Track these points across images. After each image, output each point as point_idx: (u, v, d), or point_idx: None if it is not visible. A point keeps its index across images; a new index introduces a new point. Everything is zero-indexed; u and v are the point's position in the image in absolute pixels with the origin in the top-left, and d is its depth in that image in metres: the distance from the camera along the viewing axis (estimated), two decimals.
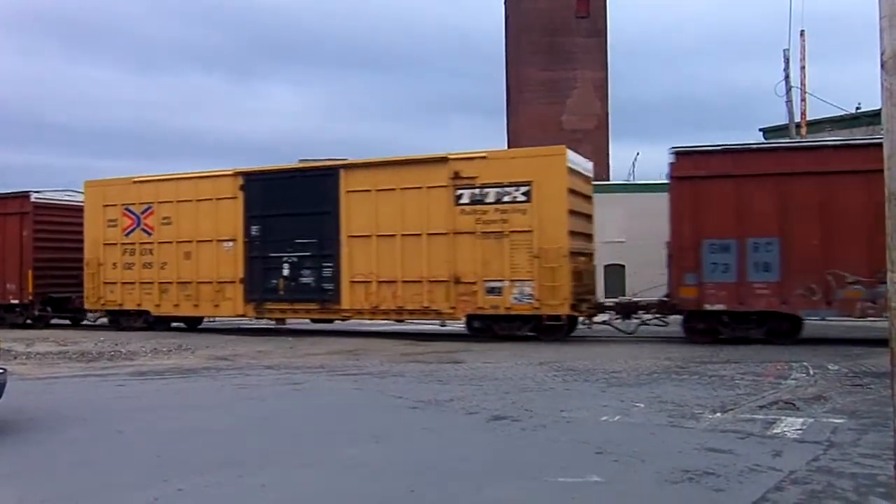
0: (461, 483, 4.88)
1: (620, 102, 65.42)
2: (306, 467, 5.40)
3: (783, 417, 6.83)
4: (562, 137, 41.02)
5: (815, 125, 24.56)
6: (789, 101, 22.35)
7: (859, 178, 12.51)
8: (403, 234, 15.30)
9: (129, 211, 18.24)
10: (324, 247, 16.03)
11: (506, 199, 14.58)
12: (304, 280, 16.23)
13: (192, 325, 18.83)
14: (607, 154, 41.24)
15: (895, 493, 3.27)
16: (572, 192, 14.66)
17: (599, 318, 15.56)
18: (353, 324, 17.45)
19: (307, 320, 17.60)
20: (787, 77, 22.08)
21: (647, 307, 15.03)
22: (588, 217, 15.80)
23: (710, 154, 13.94)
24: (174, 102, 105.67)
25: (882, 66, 2.92)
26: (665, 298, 14.40)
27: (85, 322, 20.33)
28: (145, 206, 18.03)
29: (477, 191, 14.79)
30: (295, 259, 16.31)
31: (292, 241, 16.30)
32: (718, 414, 7.06)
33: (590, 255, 15.94)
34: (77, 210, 19.29)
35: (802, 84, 21.79)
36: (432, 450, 6.01)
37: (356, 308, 15.83)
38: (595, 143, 41.30)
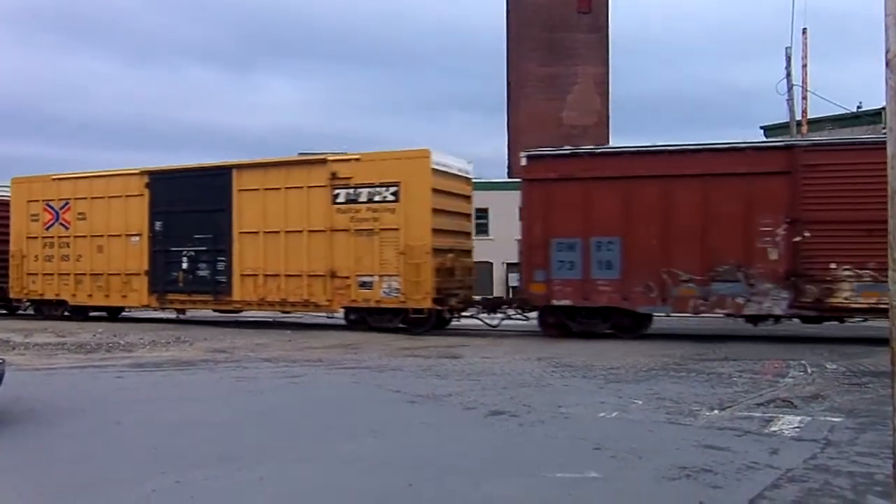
0: (459, 478, 4.88)
1: (621, 99, 65.48)
2: (304, 461, 5.40)
3: (781, 415, 6.83)
4: (562, 133, 41.03)
5: (816, 123, 24.55)
6: (790, 100, 22.33)
7: (695, 181, 13.53)
8: (287, 231, 16.35)
9: (50, 206, 19.44)
10: (218, 242, 17.21)
11: (377, 198, 15.59)
12: (201, 273, 17.46)
13: (113, 314, 19.84)
14: None
15: (893, 491, 3.26)
16: (439, 191, 15.53)
17: (480, 312, 16.41)
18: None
19: (206, 311, 18.65)
20: (788, 75, 22.06)
21: (509, 303, 16.06)
22: (465, 216, 16.71)
23: (559, 158, 14.80)
24: (171, 96, 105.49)
25: (887, 64, 2.90)
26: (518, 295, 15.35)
27: (19, 311, 21.14)
28: (63, 202, 19.25)
29: (352, 190, 15.81)
30: (193, 253, 17.56)
31: (191, 237, 17.53)
32: (716, 411, 7.07)
33: (464, 252, 16.66)
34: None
35: (804, 82, 21.77)
36: (430, 444, 6.01)
37: (245, 300, 17.05)
38: (595, 140, 41.27)
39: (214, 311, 18.35)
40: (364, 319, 15.92)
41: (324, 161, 16.27)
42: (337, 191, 15.89)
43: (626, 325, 14.23)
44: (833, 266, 13.08)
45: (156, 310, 18.84)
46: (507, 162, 42.49)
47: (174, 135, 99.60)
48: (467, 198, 16.89)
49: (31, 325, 17.58)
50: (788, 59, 22.01)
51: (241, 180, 16.93)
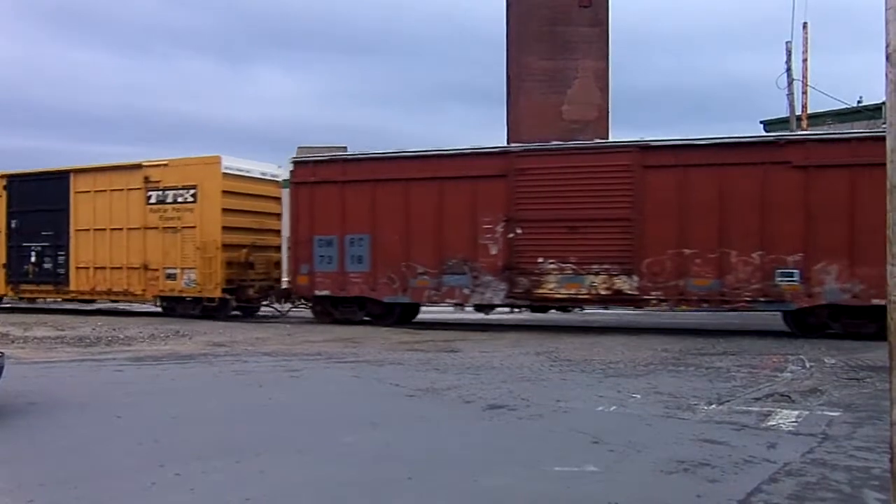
0: (458, 471, 4.90)
1: (621, 92, 65.22)
2: (304, 454, 5.41)
3: (779, 410, 6.85)
4: (562, 128, 40.94)
5: (817, 118, 24.51)
6: (790, 94, 22.30)
7: (430, 184, 15.12)
8: (112, 229, 18.58)
9: None
10: (59, 238, 19.33)
11: (179, 199, 17.75)
12: (46, 266, 19.63)
13: None
14: None
15: (891, 486, 3.28)
16: (234, 193, 17.50)
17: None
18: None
19: (48, 301, 20.95)
20: (788, 70, 22.02)
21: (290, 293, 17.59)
22: (271, 215, 18.56)
23: (320, 163, 16.42)
24: (165, 87, 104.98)
25: (887, 58, 2.90)
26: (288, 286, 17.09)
27: None
28: None
29: (161, 192, 17.95)
30: (40, 248, 19.71)
31: (39, 234, 19.66)
32: (714, 405, 7.09)
33: (270, 248, 18.61)
34: None
35: (804, 77, 21.74)
36: (429, 438, 6.03)
37: (80, 290, 19.17)
38: (595, 134, 41.19)
39: (57, 300, 20.56)
40: (173, 308, 18.01)
41: (139, 166, 18.33)
42: (150, 193, 18.07)
43: (378, 312, 15.85)
44: (541, 260, 14.46)
45: (13, 299, 21.03)
46: None
47: (168, 127, 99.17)
48: (275, 199, 18.85)
49: (31, 318, 17.60)
50: (789, 53, 21.99)
51: (77, 183, 19.07)
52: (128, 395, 7.83)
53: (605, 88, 43.01)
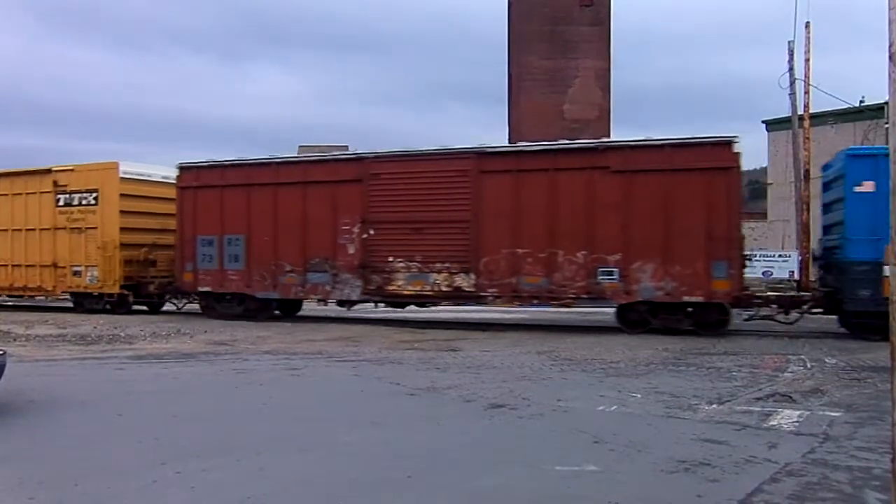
0: (458, 470, 4.90)
1: (622, 92, 65.17)
2: (304, 452, 5.42)
3: (780, 410, 6.85)
4: (563, 127, 40.92)
5: (818, 118, 24.47)
6: (793, 94, 22.25)
7: (296, 188, 16.23)
8: (26, 229, 19.71)
9: None
10: None
11: (84, 202, 18.88)
12: None
13: None
14: None
15: (891, 486, 3.27)
16: (133, 196, 18.54)
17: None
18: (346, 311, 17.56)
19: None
20: (791, 69, 21.96)
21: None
22: (172, 216, 18.50)
23: (203, 168, 17.51)
24: (163, 84, 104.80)
25: (890, 57, 2.89)
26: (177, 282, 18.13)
27: None
28: None
29: (68, 196, 19.05)
30: None
31: None
32: (715, 405, 7.08)
33: (169, 247, 18.95)
34: None
35: (806, 76, 21.67)
36: (430, 436, 6.03)
37: (1, 286, 20.41)
38: (596, 133, 41.12)
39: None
40: (81, 302, 19.20)
41: (49, 171, 19.43)
42: (59, 196, 19.16)
43: (255, 307, 16.91)
44: (391, 259, 15.44)
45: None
46: None
47: (167, 125, 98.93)
48: (168, 199, 19.41)
49: (33, 316, 17.63)
50: (791, 53, 21.92)
51: None
52: (129, 393, 7.84)
53: (606, 88, 42.96)
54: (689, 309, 13.63)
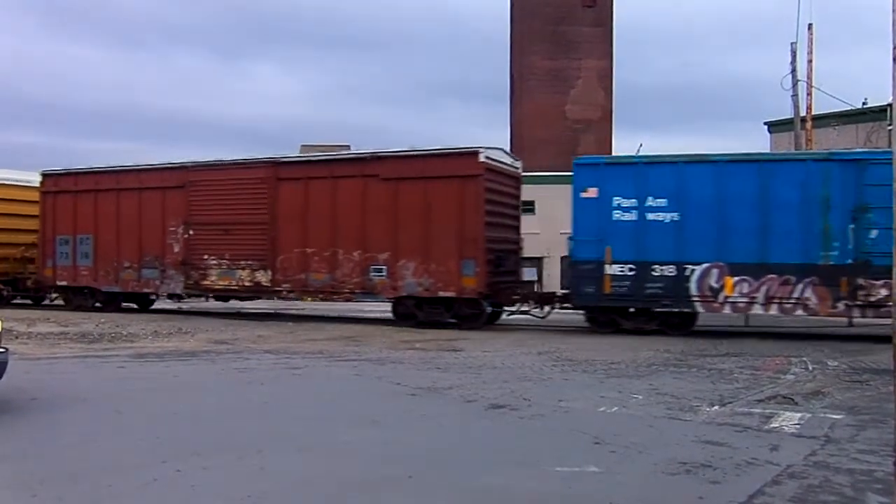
0: (459, 470, 4.89)
1: (624, 91, 65.03)
2: (305, 451, 5.41)
3: (781, 412, 6.83)
4: (565, 127, 40.96)
5: (821, 120, 24.44)
6: (795, 96, 22.23)
7: (134, 193, 18.43)
8: None
9: None
10: None
11: None
12: None
13: None
14: (611, 144, 41.06)
15: (893, 489, 3.26)
16: (8, 200, 20.16)
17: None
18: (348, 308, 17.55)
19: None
20: (793, 71, 21.95)
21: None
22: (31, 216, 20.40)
23: (62, 175, 19.83)
24: (160, 83, 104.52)
25: (894, 60, 2.89)
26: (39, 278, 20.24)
27: None
28: None
29: None
30: None
31: None
32: (716, 407, 7.07)
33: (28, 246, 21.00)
34: None
35: (809, 78, 21.67)
36: (431, 436, 6.02)
37: None
38: (598, 133, 41.18)
39: None
40: None
41: None
42: None
43: (103, 300, 19.21)
44: (206, 257, 17.57)
45: None
46: None
47: (165, 123, 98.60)
48: (23, 202, 20.92)
49: (34, 314, 17.65)
50: (793, 54, 21.91)
51: None
52: (130, 391, 7.84)
53: (608, 88, 42.91)
54: (439, 305, 15.36)
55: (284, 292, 16.87)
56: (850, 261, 12.94)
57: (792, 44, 22.03)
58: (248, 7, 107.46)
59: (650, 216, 13.88)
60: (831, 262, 13.03)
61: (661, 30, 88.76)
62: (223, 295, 18.22)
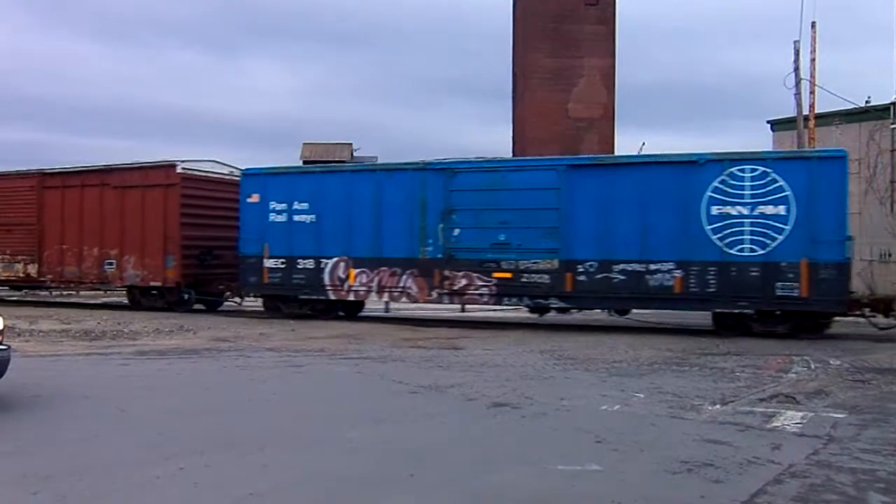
0: (460, 468, 4.90)
1: (627, 89, 64.67)
2: (307, 449, 5.42)
3: (783, 411, 6.83)
4: (567, 126, 40.90)
5: (824, 118, 24.38)
6: (798, 94, 22.19)
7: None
8: None
9: None
10: None
11: None
12: None
13: None
14: (613, 142, 41.00)
15: (895, 489, 3.26)
16: None
17: None
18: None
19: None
20: (796, 70, 21.90)
21: None
22: None
23: None
24: (156, 78, 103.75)
25: None
26: None
27: None
28: None
29: None
30: None
31: None
32: (718, 406, 7.07)
33: None
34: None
35: (812, 77, 21.62)
36: (432, 434, 6.03)
37: None
38: (601, 132, 41.13)
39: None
40: None
41: None
42: None
43: None
44: None
45: None
46: (511, 153, 42.38)
47: (163, 121, 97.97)
48: None
49: (37, 311, 17.69)
50: (797, 53, 21.86)
51: None
52: (132, 388, 7.85)
53: (611, 87, 42.83)
54: (154, 292, 18.55)
55: (48, 282, 20.44)
56: (440, 255, 15.23)
57: (795, 42, 21.99)
58: (244, 3, 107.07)
59: (296, 217, 16.44)
60: (427, 257, 15.34)
61: (665, 27, 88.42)
62: (7, 284, 21.47)
